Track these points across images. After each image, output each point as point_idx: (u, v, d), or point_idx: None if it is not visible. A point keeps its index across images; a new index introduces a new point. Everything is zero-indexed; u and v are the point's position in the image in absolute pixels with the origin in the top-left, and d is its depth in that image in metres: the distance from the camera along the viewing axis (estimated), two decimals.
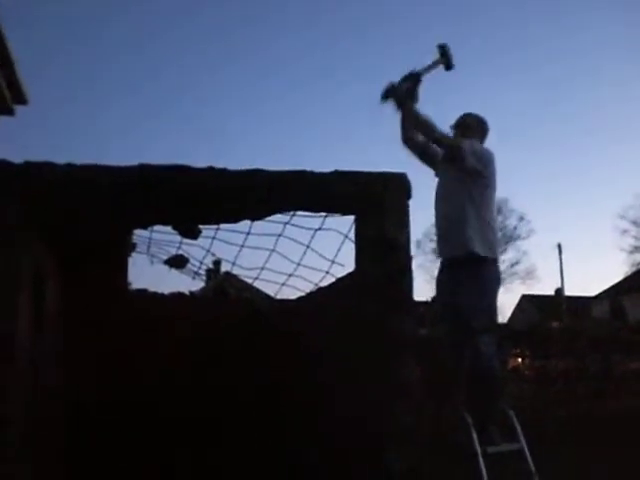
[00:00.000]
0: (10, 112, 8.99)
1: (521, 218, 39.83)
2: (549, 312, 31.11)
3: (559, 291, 35.69)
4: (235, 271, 4.73)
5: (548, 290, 39.27)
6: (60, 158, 3.28)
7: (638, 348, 8.53)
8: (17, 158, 3.26)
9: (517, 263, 39.35)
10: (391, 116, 4.33)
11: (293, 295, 4.72)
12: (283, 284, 4.56)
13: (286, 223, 3.84)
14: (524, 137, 58.13)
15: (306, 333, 4.17)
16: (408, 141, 4.41)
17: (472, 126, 4.41)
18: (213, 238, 4.16)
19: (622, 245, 39.66)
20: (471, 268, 4.06)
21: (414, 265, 3.51)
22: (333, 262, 4.03)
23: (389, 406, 3.27)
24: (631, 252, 37.05)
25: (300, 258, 4.16)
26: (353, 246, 3.72)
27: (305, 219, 3.79)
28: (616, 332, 9.18)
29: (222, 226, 3.99)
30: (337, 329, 3.86)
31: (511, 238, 39.64)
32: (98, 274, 4.32)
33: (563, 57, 55.83)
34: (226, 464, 4.23)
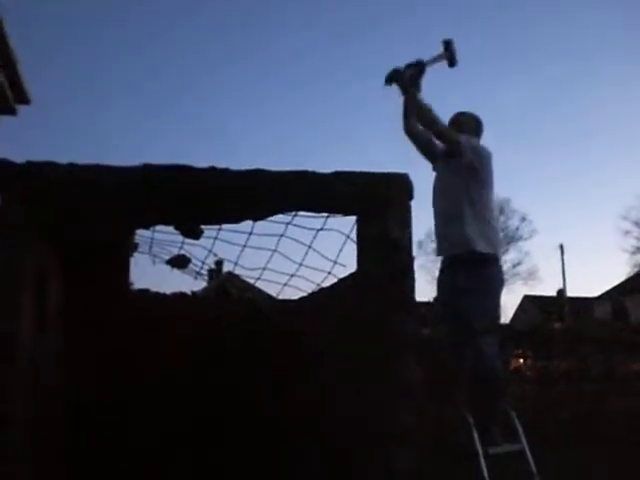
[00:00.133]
0: (12, 112, 9.02)
1: (523, 219, 39.90)
2: (551, 313, 31.10)
3: (561, 292, 35.70)
4: (237, 271, 4.74)
5: (550, 291, 39.36)
6: (61, 158, 3.28)
7: None
8: (19, 158, 3.27)
9: (519, 264, 39.41)
10: (394, 101, 4.34)
11: (295, 295, 4.72)
12: (285, 284, 4.56)
13: (288, 223, 3.84)
14: (526, 137, 58.27)
15: (308, 333, 4.17)
16: (410, 130, 4.39)
17: (466, 124, 4.39)
18: (215, 238, 4.16)
19: (624, 246, 39.64)
20: (472, 267, 4.04)
21: (416, 265, 3.51)
22: (335, 262, 4.03)
23: (390, 406, 3.27)
24: (633, 253, 37.07)
25: (302, 258, 4.16)
26: (355, 246, 3.72)
27: (307, 219, 3.79)
28: (618, 333, 9.17)
29: (224, 226, 3.99)
30: (339, 329, 3.85)
31: (513, 239, 39.71)
32: (100, 274, 4.32)
33: (564, 58, 55.98)
34: (227, 464, 4.23)
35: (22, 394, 3.20)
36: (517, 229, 40.07)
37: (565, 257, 35.66)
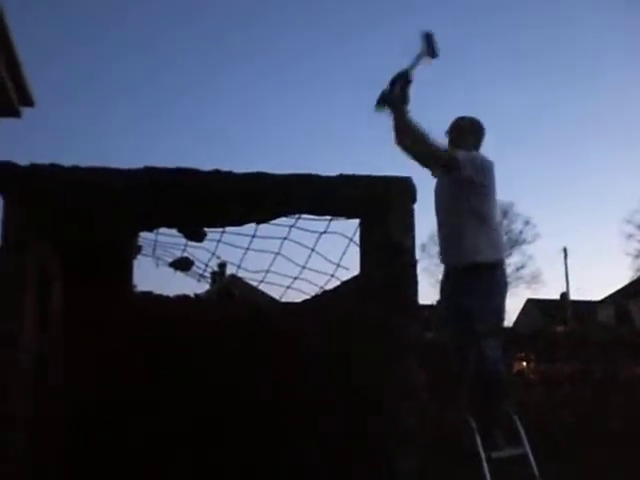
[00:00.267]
0: (16, 114, 9.04)
1: (527, 222, 39.83)
2: (554, 316, 31.07)
3: (564, 295, 35.67)
4: (240, 274, 4.74)
5: (553, 294, 39.31)
6: (62, 159, 3.30)
7: None
8: (23, 160, 3.28)
9: (522, 267, 39.35)
10: (387, 124, 4.28)
11: (298, 298, 4.72)
12: (288, 287, 4.56)
13: (291, 226, 3.84)
14: (530, 141, 58.23)
15: (311, 335, 4.17)
16: (401, 144, 4.34)
17: (466, 130, 4.35)
18: (218, 241, 4.17)
19: (628, 249, 39.45)
20: (476, 273, 4.06)
21: (419, 269, 3.50)
22: (338, 265, 4.03)
23: (392, 408, 3.27)
24: (637, 256, 36.90)
25: (305, 261, 4.17)
26: (358, 249, 3.72)
27: (310, 222, 3.79)
28: (621, 337, 9.16)
29: (227, 229, 3.99)
30: (341, 332, 3.86)
31: (516, 242, 39.65)
32: (103, 276, 4.33)
33: (566, 59, 55.87)
34: (227, 463, 4.23)
35: (24, 394, 3.21)
36: (521, 232, 40.05)
37: (568, 261, 35.63)
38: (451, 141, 4.32)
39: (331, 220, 3.75)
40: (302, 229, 3.87)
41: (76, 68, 54.62)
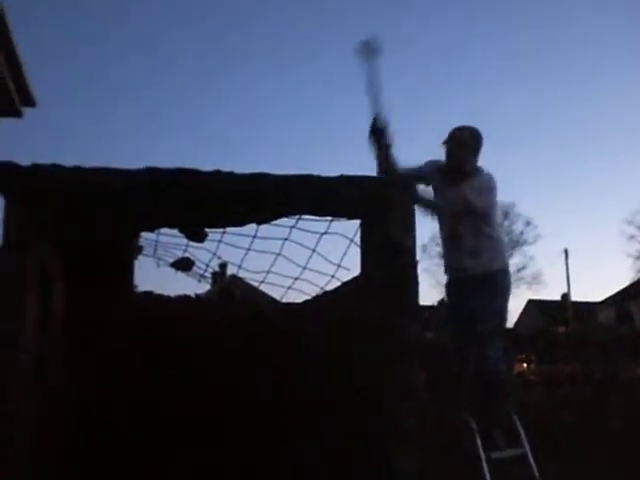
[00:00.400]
0: (18, 114, 9.06)
1: (528, 223, 39.85)
2: (555, 317, 31.06)
3: (565, 296, 35.67)
4: (241, 274, 4.74)
5: (554, 295, 39.42)
6: (64, 159, 3.30)
7: None
8: (24, 160, 3.28)
9: (523, 268, 39.36)
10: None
11: (299, 298, 4.73)
12: (289, 287, 4.57)
13: (292, 227, 3.84)
14: (531, 142, 58.22)
15: (311, 335, 4.18)
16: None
17: (465, 141, 4.35)
18: (219, 241, 4.17)
19: (629, 250, 39.43)
20: (484, 278, 4.13)
21: (420, 269, 3.51)
22: (339, 266, 4.03)
23: (392, 408, 3.28)
24: (638, 258, 36.95)
25: (306, 262, 4.17)
26: (359, 250, 3.73)
27: (311, 223, 3.79)
28: (621, 337, 9.16)
29: (228, 229, 4.00)
30: (342, 332, 3.86)
31: (518, 243, 39.64)
32: (105, 276, 4.34)
33: (566, 60, 55.85)
34: (227, 464, 4.24)
35: (24, 394, 3.21)
36: (522, 233, 40.04)
37: (569, 262, 35.65)
38: (449, 151, 4.33)
39: (332, 221, 3.75)
40: (303, 230, 3.87)
41: (77, 69, 54.78)
